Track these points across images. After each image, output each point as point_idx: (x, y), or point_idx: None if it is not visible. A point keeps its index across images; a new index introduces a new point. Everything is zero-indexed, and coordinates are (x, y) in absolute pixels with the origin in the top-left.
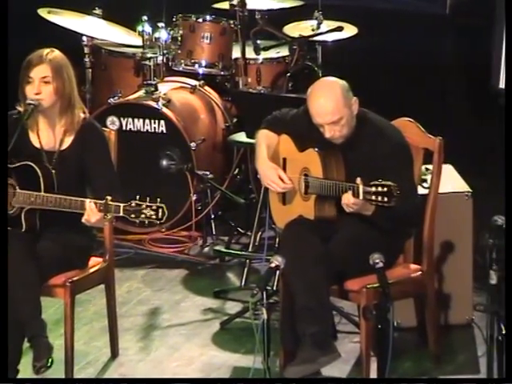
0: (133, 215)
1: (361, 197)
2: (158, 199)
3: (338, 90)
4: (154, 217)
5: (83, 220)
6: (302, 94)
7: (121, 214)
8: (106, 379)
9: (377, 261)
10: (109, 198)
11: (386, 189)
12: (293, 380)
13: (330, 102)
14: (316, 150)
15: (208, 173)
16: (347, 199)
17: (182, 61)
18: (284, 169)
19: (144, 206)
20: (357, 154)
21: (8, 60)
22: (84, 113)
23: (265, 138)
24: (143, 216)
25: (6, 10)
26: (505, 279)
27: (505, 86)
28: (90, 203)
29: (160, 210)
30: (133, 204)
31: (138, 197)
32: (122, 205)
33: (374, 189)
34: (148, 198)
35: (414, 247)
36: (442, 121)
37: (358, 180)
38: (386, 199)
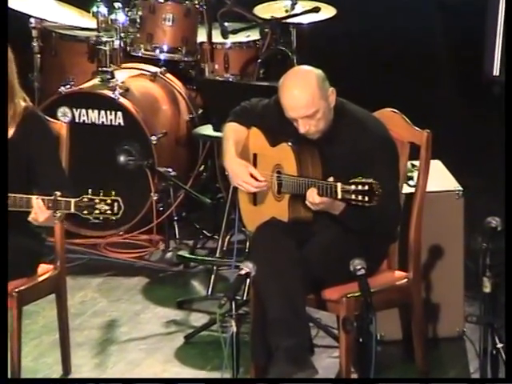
0: (85, 211)
1: (339, 196)
2: (113, 192)
3: (314, 80)
4: (109, 212)
5: (30, 219)
6: (274, 83)
7: (72, 210)
8: (106, 379)
9: (358, 267)
10: (58, 193)
11: (366, 187)
12: (292, 380)
13: (304, 94)
14: (289, 144)
15: (170, 170)
16: (312, 197)
17: (142, 45)
18: (254, 166)
19: (97, 201)
20: (335, 149)
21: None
22: (25, 101)
23: (233, 132)
24: (97, 212)
25: (6, 10)
26: (505, 280)
27: (505, 87)
28: (37, 200)
29: (116, 204)
30: (85, 199)
31: (90, 191)
32: (72, 200)
33: (353, 187)
34: (101, 192)
35: (398, 252)
36: (430, 112)
37: (331, 179)
38: (366, 198)
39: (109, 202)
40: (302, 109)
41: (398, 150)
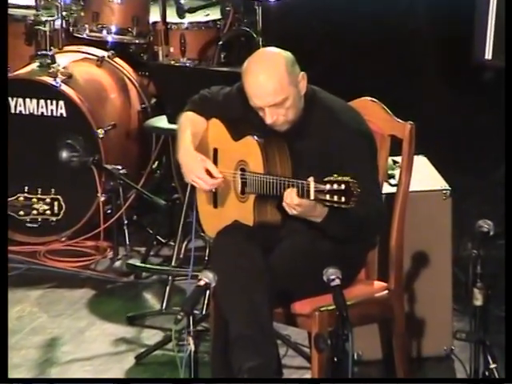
0: (22, 212)
1: (312, 196)
2: (53, 189)
3: (282, 63)
4: (48, 212)
5: None
6: (237, 68)
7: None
8: (106, 379)
9: (332, 277)
10: None
11: (343, 186)
12: (291, 380)
13: (271, 79)
14: (255, 137)
15: (120, 167)
16: (290, 198)
17: (87, 25)
18: (215, 162)
19: (35, 200)
20: (306, 143)
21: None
22: None
23: (190, 123)
24: (35, 212)
25: (6, 10)
26: (505, 280)
27: (505, 86)
28: None
29: (56, 204)
30: (21, 198)
31: (26, 188)
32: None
33: (328, 186)
34: (40, 190)
35: (378, 259)
36: (413, 101)
37: (303, 179)
38: (343, 199)
39: (48, 201)
40: (268, 96)
41: (376, 144)
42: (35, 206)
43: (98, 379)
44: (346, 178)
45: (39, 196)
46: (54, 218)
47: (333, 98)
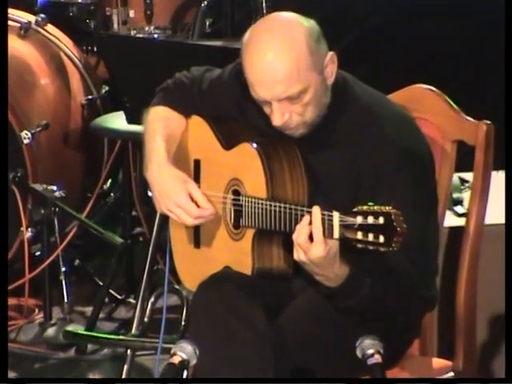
0: None
1: (336, 234)
2: None
3: (302, 37)
4: None
5: None
6: (230, 41)
7: None
8: (107, 379)
9: (370, 351)
10: None
11: (381, 219)
12: (293, 380)
13: (284, 59)
14: (254, 145)
15: (55, 188)
16: (302, 236)
17: None
18: (196, 180)
19: None
20: (329, 156)
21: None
22: None
23: (161, 124)
24: None
25: (6, 10)
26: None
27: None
28: None
29: None
30: None
31: None
32: None
33: (360, 219)
34: None
35: (438, 326)
36: (487, 91)
37: (317, 208)
38: (381, 238)
39: None
40: (279, 85)
41: (433, 158)
42: None
43: (98, 379)
44: (387, 209)
45: None
46: None
47: (373, 95)
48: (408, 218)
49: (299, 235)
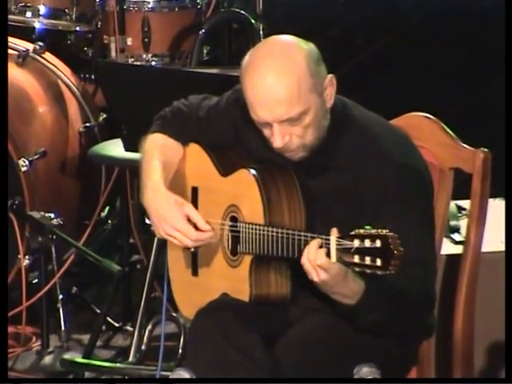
0: None
1: (333, 257)
2: None
3: (302, 60)
4: None
5: None
6: (227, 69)
7: None
8: (106, 379)
9: (368, 377)
10: None
11: (378, 242)
12: (291, 380)
13: (284, 81)
14: (252, 171)
15: (52, 215)
16: (314, 256)
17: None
18: (194, 207)
19: None
20: (327, 180)
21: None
22: None
23: (158, 151)
24: None
25: (6, 9)
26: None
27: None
28: None
29: None
30: None
31: None
32: None
33: (356, 242)
34: None
35: (436, 353)
36: (486, 118)
37: (321, 232)
38: (378, 262)
39: None
40: (280, 106)
41: (432, 184)
42: None
43: (97, 379)
44: (384, 232)
45: None
46: None
47: (371, 116)
48: (409, 233)
49: (308, 258)
